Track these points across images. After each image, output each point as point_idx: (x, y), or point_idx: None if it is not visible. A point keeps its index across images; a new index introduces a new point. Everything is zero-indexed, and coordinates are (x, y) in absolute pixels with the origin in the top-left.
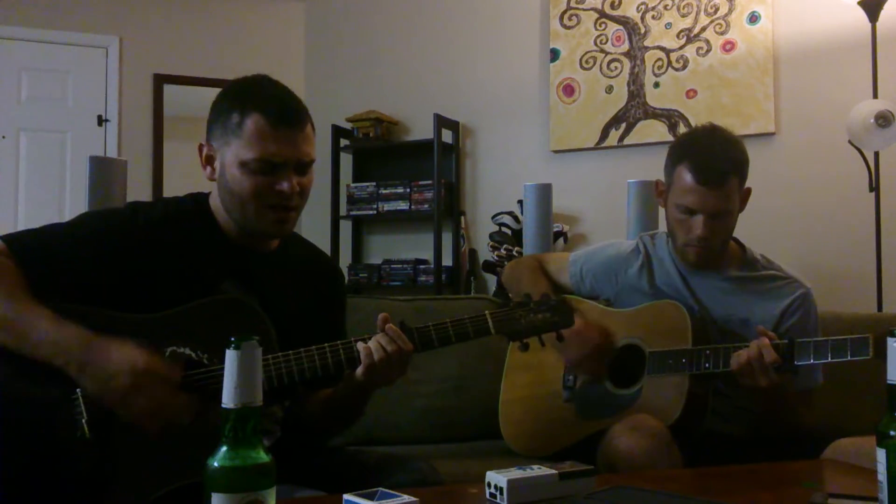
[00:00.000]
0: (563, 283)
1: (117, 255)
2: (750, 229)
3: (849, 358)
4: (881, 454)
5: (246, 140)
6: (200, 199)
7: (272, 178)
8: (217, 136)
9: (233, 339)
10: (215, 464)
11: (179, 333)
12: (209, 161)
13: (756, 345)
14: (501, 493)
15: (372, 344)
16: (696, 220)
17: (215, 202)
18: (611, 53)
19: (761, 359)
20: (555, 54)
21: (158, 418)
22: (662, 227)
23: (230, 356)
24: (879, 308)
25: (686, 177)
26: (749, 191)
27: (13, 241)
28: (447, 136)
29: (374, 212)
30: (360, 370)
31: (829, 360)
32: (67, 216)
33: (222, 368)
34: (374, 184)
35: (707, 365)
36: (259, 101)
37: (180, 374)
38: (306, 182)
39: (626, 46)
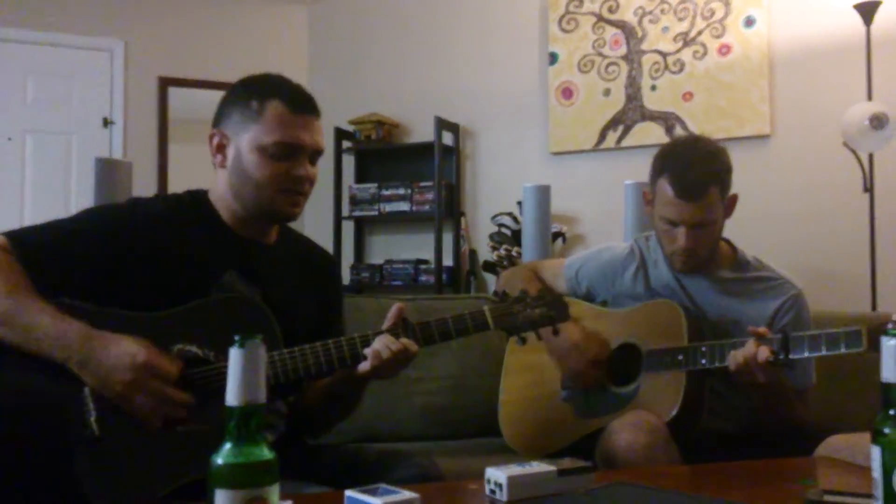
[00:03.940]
0: (558, 290)
1: (118, 250)
2: (745, 231)
3: (842, 351)
4: (876, 451)
5: (266, 125)
6: (199, 195)
7: (290, 163)
8: (232, 123)
9: (237, 337)
10: (219, 461)
11: (186, 331)
12: (220, 149)
13: (753, 344)
14: (501, 489)
15: (379, 346)
16: (679, 231)
17: (216, 196)
18: (608, 57)
19: (756, 359)
20: (553, 58)
21: (158, 412)
22: None
23: (234, 354)
24: (874, 308)
25: (667, 190)
26: (735, 197)
27: (16, 237)
28: (448, 138)
29: (376, 212)
30: (365, 368)
31: (824, 353)
32: None
33: (228, 365)
34: (375, 185)
35: (703, 361)
36: (278, 89)
37: (179, 369)
38: (315, 172)
39: (623, 50)
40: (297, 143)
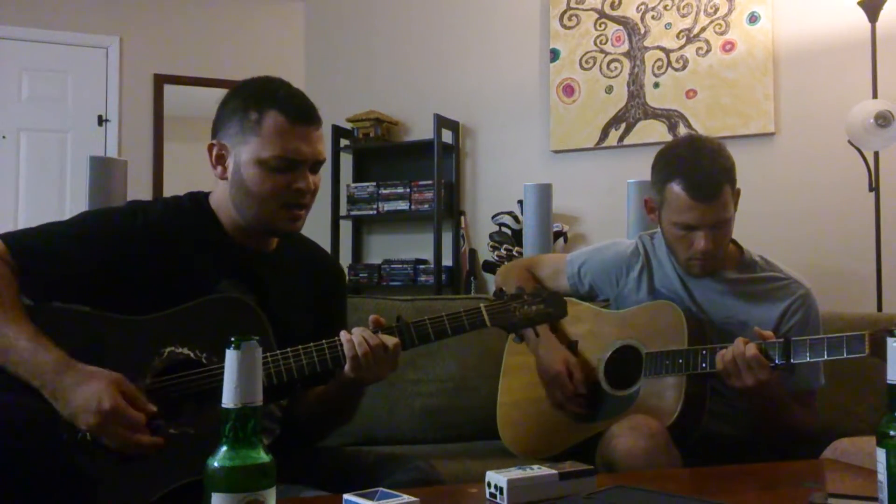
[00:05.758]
0: (558, 287)
1: (116, 255)
2: (750, 230)
3: (845, 356)
4: (881, 454)
5: (265, 138)
6: (200, 199)
7: (290, 176)
8: (231, 135)
9: (232, 339)
10: (215, 464)
11: (177, 333)
12: (220, 160)
13: (739, 341)
14: (501, 493)
15: (354, 337)
16: (697, 235)
17: (217, 201)
18: (611, 54)
19: (744, 356)
20: (555, 54)
21: (126, 451)
22: None
23: (230, 356)
24: (879, 308)
25: (680, 195)
26: (739, 191)
27: (12, 240)
28: (447, 136)
29: (375, 212)
30: (346, 365)
31: (826, 357)
32: (68, 216)
33: (221, 368)
34: (374, 184)
35: (704, 365)
36: (276, 99)
37: (148, 414)
38: (317, 181)
39: (625, 47)
40: (296, 157)
